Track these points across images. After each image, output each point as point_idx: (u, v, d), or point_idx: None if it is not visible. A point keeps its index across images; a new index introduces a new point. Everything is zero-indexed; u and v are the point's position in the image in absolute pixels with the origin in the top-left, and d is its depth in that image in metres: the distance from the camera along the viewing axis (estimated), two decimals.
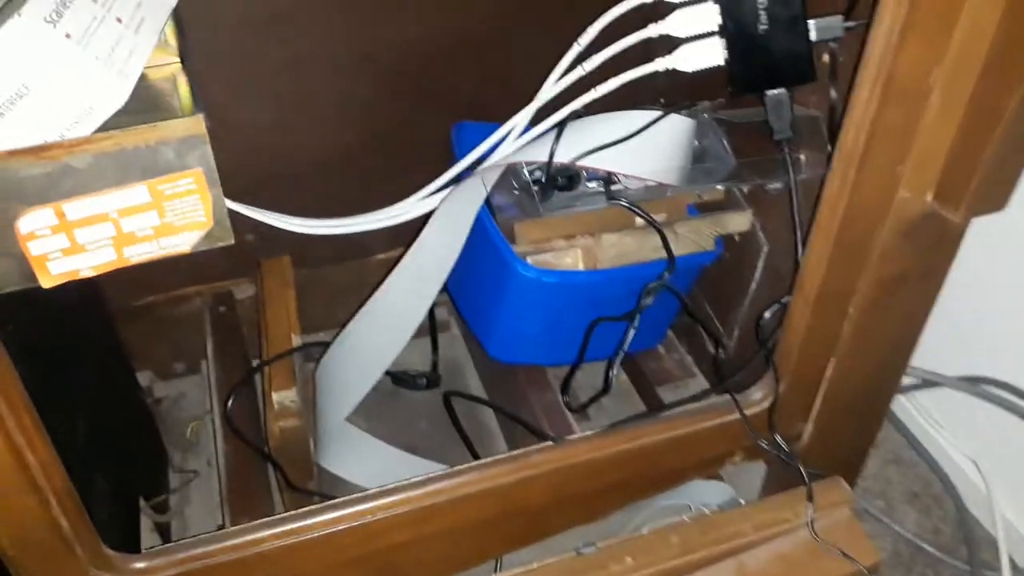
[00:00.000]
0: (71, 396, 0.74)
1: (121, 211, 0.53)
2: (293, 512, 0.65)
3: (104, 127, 0.51)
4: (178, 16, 0.64)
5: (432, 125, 0.98)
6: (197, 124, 0.52)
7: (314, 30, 0.89)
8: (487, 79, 0.98)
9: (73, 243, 0.53)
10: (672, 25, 0.73)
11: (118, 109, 0.51)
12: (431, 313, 1.06)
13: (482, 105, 0.98)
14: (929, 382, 0.99)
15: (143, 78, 0.54)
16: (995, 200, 0.62)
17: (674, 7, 0.73)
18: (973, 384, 0.94)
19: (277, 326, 0.89)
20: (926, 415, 1.07)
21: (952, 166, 0.62)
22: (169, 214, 0.55)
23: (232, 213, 0.90)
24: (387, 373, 1.02)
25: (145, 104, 0.55)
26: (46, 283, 0.54)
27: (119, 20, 0.53)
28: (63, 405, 0.70)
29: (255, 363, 0.96)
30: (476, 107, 0.98)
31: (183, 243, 0.56)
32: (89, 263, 0.55)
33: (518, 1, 0.94)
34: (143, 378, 1.09)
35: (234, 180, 0.92)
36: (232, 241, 0.58)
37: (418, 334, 1.10)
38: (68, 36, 0.48)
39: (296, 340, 0.88)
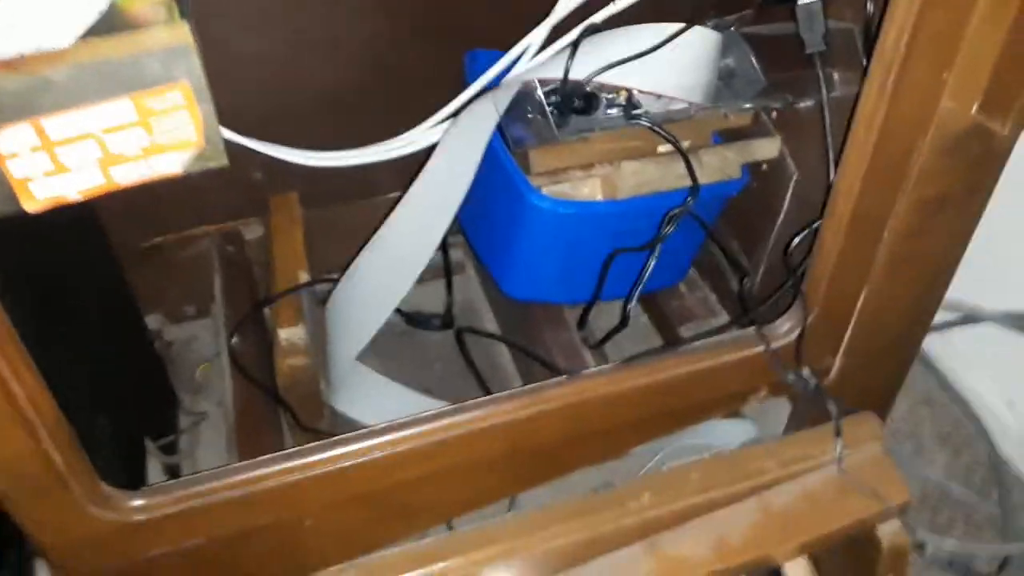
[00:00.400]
0: (71, 335, 0.71)
1: (106, 128, 0.50)
2: (298, 448, 0.62)
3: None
4: None
5: (446, 56, 0.94)
6: (183, 33, 0.48)
7: None
8: (502, 4, 0.93)
9: (56, 164, 0.50)
10: None
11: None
12: (445, 254, 1.04)
13: (497, 33, 0.93)
14: (970, 317, 0.94)
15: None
16: None
17: None
18: (1019, 320, 0.89)
19: (284, 263, 0.87)
20: (959, 355, 1.03)
21: (1001, 74, 0.57)
22: (157, 132, 0.51)
23: (239, 149, 0.90)
24: (400, 313, 0.99)
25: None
26: (31, 207, 0.51)
27: None
28: (62, 343, 0.67)
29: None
30: (491, 36, 0.94)
31: (174, 163, 0.53)
32: (75, 186, 0.52)
33: None
34: (154, 321, 1.07)
35: (242, 115, 0.91)
36: (226, 162, 0.55)
37: (432, 276, 1.09)
38: None
39: (304, 277, 0.85)
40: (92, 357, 0.74)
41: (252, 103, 0.92)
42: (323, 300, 0.93)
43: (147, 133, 0.51)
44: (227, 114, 0.87)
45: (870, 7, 0.66)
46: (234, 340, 0.85)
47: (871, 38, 0.65)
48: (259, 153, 0.90)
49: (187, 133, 0.52)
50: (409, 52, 0.94)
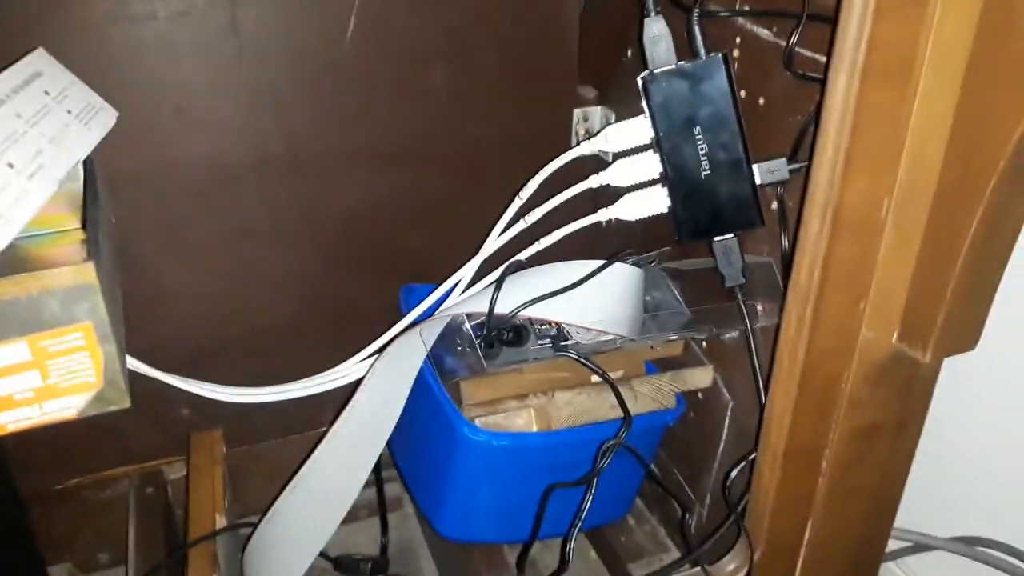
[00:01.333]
0: None
1: None
2: None
3: None
4: (94, 176, 0.62)
5: (380, 290, 0.95)
6: (86, 272, 0.47)
7: (258, 197, 0.87)
8: (434, 241, 0.96)
9: None
10: (614, 175, 0.72)
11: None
12: (380, 490, 0.99)
13: (431, 267, 0.95)
14: (921, 545, 0.91)
15: (36, 245, 0.50)
16: (965, 338, 0.58)
17: (616, 157, 0.72)
18: (969, 546, 0.87)
19: (200, 506, 0.81)
20: None
21: (916, 302, 0.58)
22: (53, 374, 0.49)
23: (164, 386, 0.87)
24: (328, 558, 0.92)
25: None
26: None
27: (11, 165, 0.49)
28: None
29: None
30: (425, 270, 0.96)
31: (70, 407, 0.50)
32: None
33: (462, 163, 0.93)
34: (61, 572, 0.99)
35: (170, 351, 0.89)
36: (127, 404, 0.52)
37: (368, 514, 1.03)
38: None
39: (221, 521, 0.79)
40: None
41: (182, 337, 0.91)
42: (246, 544, 0.87)
43: (42, 376, 0.49)
44: (153, 348, 0.87)
45: (785, 242, 0.68)
46: None
47: (788, 269, 0.67)
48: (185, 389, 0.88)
49: (86, 375, 0.50)
50: (347, 286, 0.96)
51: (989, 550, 0.86)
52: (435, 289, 0.86)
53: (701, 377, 0.83)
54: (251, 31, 0.79)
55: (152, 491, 0.97)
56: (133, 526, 0.92)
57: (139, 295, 0.86)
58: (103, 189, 0.62)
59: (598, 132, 0.73)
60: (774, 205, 0.70)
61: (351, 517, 0.79)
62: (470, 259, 0.84)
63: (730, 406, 0.81)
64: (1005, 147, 0.48)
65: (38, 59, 0.63)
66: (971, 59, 0.48)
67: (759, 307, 0.72)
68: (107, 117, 0.65)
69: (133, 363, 0.84)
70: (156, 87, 0.79)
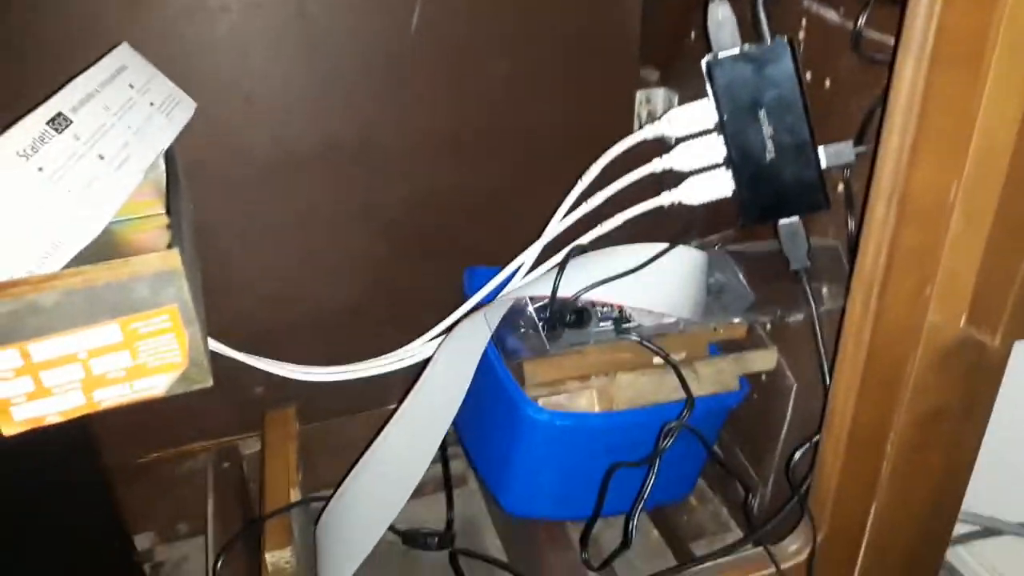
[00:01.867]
0: (53, 557, 0.68)
1: (91, 351, 0.51)
2: None
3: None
4: (175, 165, 0.65)
5: (442, 274, 0.97)
6: (172, 258, 0.50)
7: (324, 183, 0.89)
8: (497, 226, 0.97)
9: (39, 386, 0.50)
10: (677, 158, 0.72)
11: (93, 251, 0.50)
12: (445, 466, 1.01)
13: (494, 251, 0.96)
14: (990, 530, 0.89)
15: (125, 230, 0.53)
16: None
17: (678, 140, 0.72)
18: None
19: (275, 481, 0.85)
20: (988, 567, 0.97)
21: (985, 287, 0.57)
22: (142, 354, 0.52)
23: (239, 364, 0.91)
24: (396, 532, 0.95)
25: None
26: (8, 430, 0.51)
27: (101, 157, 0.52)
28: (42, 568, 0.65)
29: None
30: (487, 254, 0.97)
31: (157, 385, 0.53)
32: (56, 408, 0.52)
33: (524, 149, 0.94)
34: (144, 540, 1.04)
35: (243, 329, 0.93)
36: (210, 383, 0.55)
37: (434, 488, 1.06)
38: (40, 170, 0.47)
39: (295, 495, 0.83)
40: None
41: (251, 318, 0.95)
42: (318, 518, 0.90)
43: (132, 356, 0.52)
44: (228, 329, 0.90)
45: (851, 225, 0.68)
46: (219, 564, 0.81)
47: (855, 253, 0.66)
48: (259, 368, 0.91)
49: (172, 355, 0.53)
50: (410, 269, 0.97)
51: None
52: (498, 272, 0.87)
53: (764, 359, 0.82)
54: (319, 22, 0.81)
55: (228, 466, 1.00)
56: (211, 499, 0.96)
57: (212, 277, 0.90)
58: (182, 176, 0.65)
59: (661, 114, 0.73)
60: (840, 188, 0.69)
61: (418, 492, 0.81)
62: (533, 243, 0.85)
63: (794, 389, 0.81)
64: None
65: (123, 53, 0.66)
66: None
67: (824, 290, 0.72)
68: (187, 108, 0.68)
69: (211, 344, 0.88)
70: (228, 77, 0.81)
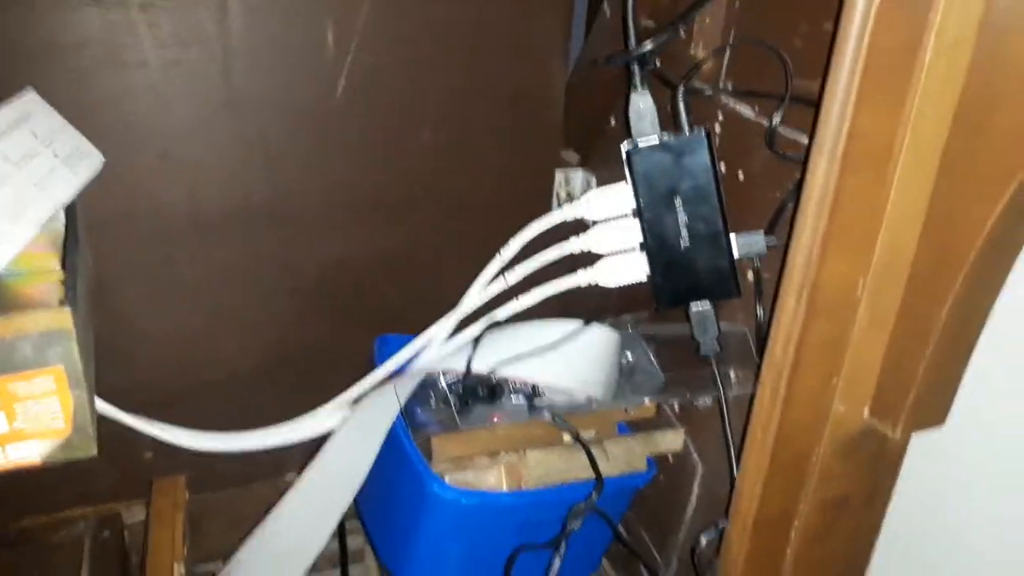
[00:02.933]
0: None
1: None
2: None
3: None
4: (75, 219, 0.62)
5: (355, 339, 0.95)
6: (62, 317, 0.47)
7: (238, 244, 0.87)
8: (412, 294, 0.97)
9: None
10: (594, 240, 0.73)
11: None
12: (342, 541, 0.98)
13: (407, 320, 0.95)
14: None
15: (16, 283, 0.50)
16: (934, 414, 0.59)
17: (596, 222, 0.72)
18: None
19: (159, 553, 0.79)
20: None
21: (887, 379, 0.59)
22: (20, 418, 0.48)
23: (129, 430, 0.86)
24: None
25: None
26: None
27: None
28: None
29: None
30: (401, 322, 0.96)
31: (32, 453, 0.49)
32: None
33: (443, 219, 0.94)
34: None
35: (139, 393, 0.88)
36: (95, 453, 0.51)
37: (328, 565, 1.01)
38: None
39: (180, 571, 0.78)
40: None
41: (153, 380, 0.90)
42: None
43: (8, 419, 0.48)
44: (122, 390, 0.86)
45: (760, 312, 0.70)
46: None
47: (762, 340, 0.68)
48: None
49: (55, 421, 0.49)
50: (319, 335, 0.95)
51: None
52: (410, 340, 0.86)
53: (672, 440, 0.83)
54: (242, 82, 0.80)
55: (108, 534, 0.94)
56: (87, 570, 0.90)
57: (112, 336, 0.85)
58: (84, 231, 0.62)
59: (579, 194, 0.74)
60: (750, 276, 0.71)
61: (312, 568, 0.77)
62: (448, 311, 0.84)
63: (699, 471, 0.81)
64: (977, 236, 0.49)
65: (28, 101, 0.63)
66: (946, 150, 0.50)
67: (732, 375, 0.73)
68: (93, 162, 0.65)
69: (99, 404, 0.83)
70: (143, 133, 0.79)
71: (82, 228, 0.61)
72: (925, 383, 0.56)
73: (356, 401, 0.84)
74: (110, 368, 0.87)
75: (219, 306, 0.90)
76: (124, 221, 0.81)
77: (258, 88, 0.81)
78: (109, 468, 0.92)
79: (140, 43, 0.75)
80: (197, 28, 0.77)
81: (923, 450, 0.66)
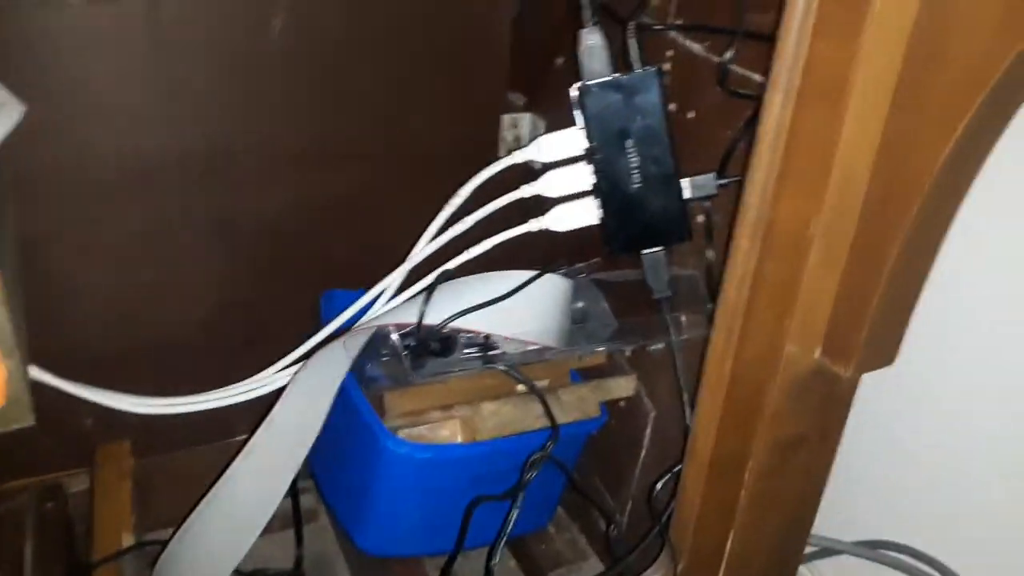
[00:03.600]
0: None
1: None
2: None
3: None
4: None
5: (300, 294, 0.93)
6: None
7: (174, 197, 0.83)
8: (358, 247, 0.94)
9: None
10: (545, 186, 0.71)
11: None
12: (295, 501, 0.96)
13: (354, 273, 0.93)
14: (828, 550, 0.93)
15: None
16: (885, 354, 0.60)
17: (547, 166, 0.71)
18: (871, 549, 0.90)
19: (106, 523, 0.77)
20: None
21: (839, 319, 0.59)
22: None
23: (68, 396, 0.82)
24: (241, 573, 0.89)
25: None
26: None
27: None
28: None
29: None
30: (347, 275, 0.93)
31: None
32: None
33: (388, 166, 0.91)
34: None
35: (75, 357, 0.85)
36: (32, 422, 0.49)
37: (281, 526, 1.00)
38: None
39: (128, 540, 0.75)
40: None
41: (89, 343, 0.87)
42: (154, 562, 0.83)
43: None
44: (58, 355, 0.82)
45: (710, 255, 0.69)
46: None
47: (713, 283, 0.68)
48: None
49: None
50: (266, 291, 0.92)
51: (892, 553, 0.89)
52: (357, 296, 0.84)
53: (624, 386, 0.83)
54: (172, 23, 0.75)
55: (52, 505, 0.91)
56: (30, 543, 0.87)
57: (44, 297, 0.82)
58: (7, 187, 0.59)
59: (528, 139, 0.72)
60: (700, 219, 0.70)
61: (265, 529, 0.76)
62: (396, 267, 0.82)
63: (652, 415, 0.82)
64: (929, 171, 0.49)
65: None
66: (898, 84, 0.49)
67: (683, 319, 0.73)
68: (12, 112, 0.61)
69: (34, 371, 0.79)
70: (68, 78, 0.74)
71: (3, 184, 0.58)
72: (876, 322, 0.57)
73: (305, 358, 0.82)
74: (43, 331, 0.83)
75: (155, 263, 0.86)
76: (50, 175, 0.76)
77: (188, 30, 0.76)
78: (49, 437, 0.88)
79: None
80: None
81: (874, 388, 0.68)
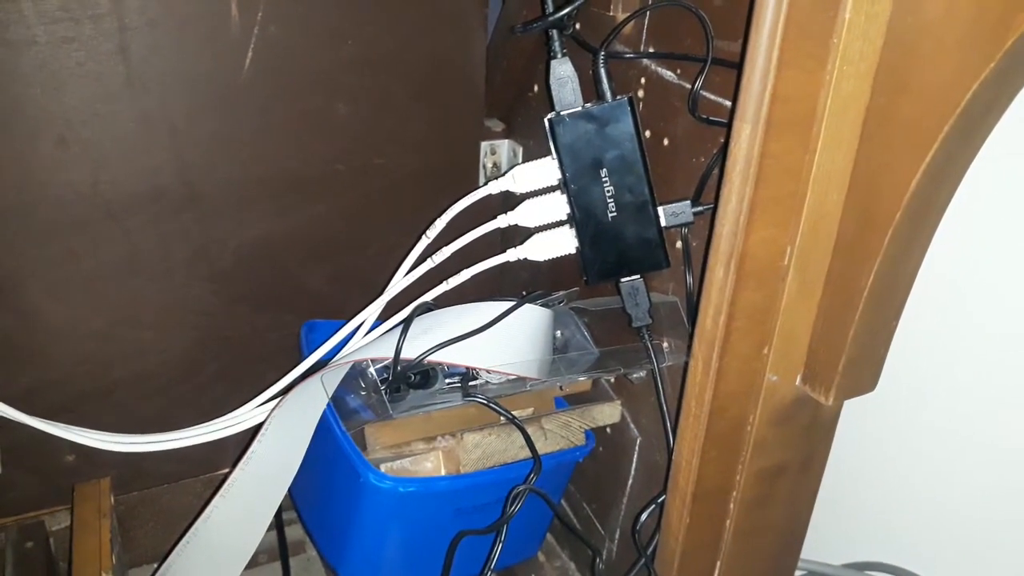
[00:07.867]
0: None
1: None
2: None
3: None
4: None
5: (279, 328, 0.92)
6: None
7: (148, 231, 0.82)
8: (337, 277, 0.93)
9: None
10: (522, 215, 0.71)
11: None
12: (281, 533, 0.95)
13: (333, 305, 0.92)
14: (815, 574, 0.92)
15: None
16: (865, 380, 0.59)
17: (523, 196, 0.71)
18: (859, 571, 0.89)
19: (85, 562, 0.76)
20: None
21: (818, 347, 0.58)
22: None
23: (46, 435, 0.81)
24: None
25: None
26: None
27: None
28: None
29: None
30: (327, 306, 0.93)
31: None
32: None
33: (366, 197, 0.91)
34: None
35: (50, 395, 0.84)
36: None
37: (268, 558, 0.99)
38: None
39: None
40: None
41: (64, 380, 0.86)
42: None
43: None
44: (32, 393, 0.81)
45: (689, 281, 0.69)
46: None
47: (693, 309, 0.67)
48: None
49: None
50: (244, 324, 0.91)
51: (880, 574, 0.88)
52: (338, 326, 0.83)
53: (609, 413, 0.82)
54: (142, 59, 0.75)
55: (32, 545, 0.90)
56: None
57: (18, 336, 0.81)
58: None
59: (506, 165, 0.72)
60: (679, 245, 0.70)
61: (250, 563, 0.75)
62: (375, 297, 0.81)
63: (638, 442, 0.81)
64: (900, 199, 0.49)
65: None
66: (868, 114, 0.49)
67: (666, 345, 0.72)
68: None
69: (9, 411, 0.78)
70: (37, 117, 0.74)
71: None
72: (855, 349, 0.56)
73: (287, 391, 0.81)
74: (19, 370, 0.82)
75: (132, 297, 0.85)
76: (23, 212, 0.76)
77: (159, 65, 0.76)
78: (28, 476, 0.88)
79: (25, 19, 0.70)
80: (87, 2, 0.71)
81: (856, 415, 0.67)
